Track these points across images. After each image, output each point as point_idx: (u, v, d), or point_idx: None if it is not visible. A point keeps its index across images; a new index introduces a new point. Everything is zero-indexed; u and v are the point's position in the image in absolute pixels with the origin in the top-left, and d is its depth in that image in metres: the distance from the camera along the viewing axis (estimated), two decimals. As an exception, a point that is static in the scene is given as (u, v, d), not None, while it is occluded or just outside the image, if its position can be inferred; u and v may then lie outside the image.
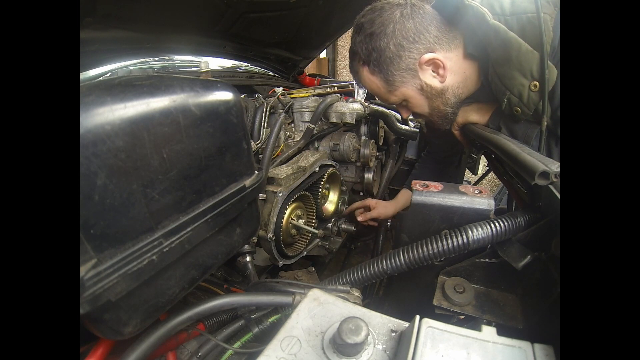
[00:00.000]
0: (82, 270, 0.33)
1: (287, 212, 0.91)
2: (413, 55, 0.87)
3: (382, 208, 1.32)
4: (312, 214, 1.06)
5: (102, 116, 0.35)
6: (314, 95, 1.29)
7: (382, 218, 1.33)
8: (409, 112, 1.03)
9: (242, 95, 1.07)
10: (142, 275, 0.39)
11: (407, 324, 0.42)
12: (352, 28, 0.94)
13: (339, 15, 1.54)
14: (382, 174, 1.59)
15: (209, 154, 0.48)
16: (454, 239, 0.55)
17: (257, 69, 1.92)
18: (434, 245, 0.56)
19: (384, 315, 0.44)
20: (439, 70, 0.88)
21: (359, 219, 1.33)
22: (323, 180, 1.08)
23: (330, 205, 1.24)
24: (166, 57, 1.74)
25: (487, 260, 0.60)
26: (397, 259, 0.58)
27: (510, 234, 0.56)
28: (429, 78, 0.90)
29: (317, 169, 1.06)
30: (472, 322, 0.61)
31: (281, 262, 0.95)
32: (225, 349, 0.56)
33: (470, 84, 0.93)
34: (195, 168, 0.46)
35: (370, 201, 1.34)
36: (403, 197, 1.37)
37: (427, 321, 0.39)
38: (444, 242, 0.56)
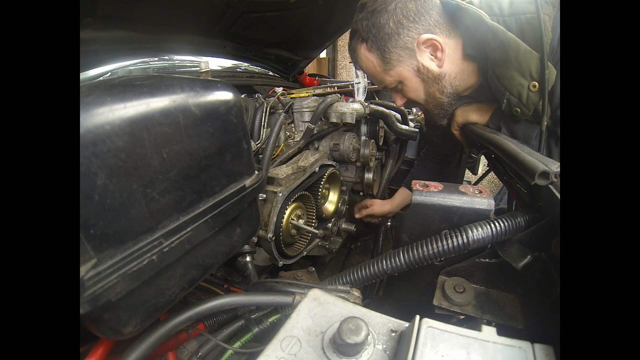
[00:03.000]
0: (82, 270, 0.33)
1: (287, 212, 0.91)
2: (412, 34, 0.86)
3: (379, 205, 1.36)
4: (312, 214, 1.06)
5: (102, 116, 0.35)
6: (314, 95, 1.29)
7: (378, 214, 1.37)
8: (403, 99, 1.01)
9: (242, 95, 1.07)
10: (142, 275, 0.39)
11: (407, 324, 0.42)
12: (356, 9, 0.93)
13: (339, 15, 1.54)
14: (382, 174, 1.59)
15: (209, 154, 0.48)
16: (454, 239, 0.55)
17: (257, 69, 1.92)
18: (434, 245, 0.56)
19: (384, 315, 0.44)
20: (437, 53, 0.87)
21: (357, 215, 1.38)
22: (323, 180, 1.08)
23: (330, 205, 1.24)
24: (166, 57, 1.74)
25: (487, 260, 0.60)
26: (397, 259, 0.58)
27: (510, 234, 0.56)
28: (426, 60, 0.89)
29: (317, 169, 1.06)
30: (472, 322, 0.61)
31: (281, 262, 0.95)
32: (225, 349, 0.56)
33: (467, 77, 0.93)
34: (195, 168, 0.46)
35: (367, 201, 1.39)
36: (400, 196, 1.40)
37: (427, 321, 0.39)
38: (444, 242, 0.56)
